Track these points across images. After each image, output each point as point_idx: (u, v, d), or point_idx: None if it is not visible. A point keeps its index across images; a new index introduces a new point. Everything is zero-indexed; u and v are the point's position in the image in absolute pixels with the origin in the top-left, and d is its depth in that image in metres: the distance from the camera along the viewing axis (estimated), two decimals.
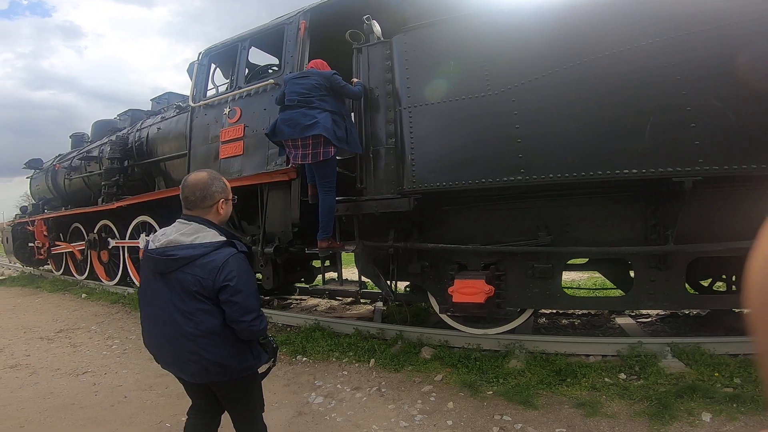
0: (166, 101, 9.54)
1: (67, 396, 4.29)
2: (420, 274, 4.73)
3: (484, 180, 3.83)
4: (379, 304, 7.14)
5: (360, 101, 4.68)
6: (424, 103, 4.18)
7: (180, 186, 2.18)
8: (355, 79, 4.67)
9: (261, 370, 2.33)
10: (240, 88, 5.98)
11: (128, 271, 9.24)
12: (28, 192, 13.68)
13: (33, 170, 13.22)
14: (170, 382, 4.58)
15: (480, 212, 4.41)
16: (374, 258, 4.85)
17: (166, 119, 8.38)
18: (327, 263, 7.25)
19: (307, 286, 7.98)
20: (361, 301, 7.89)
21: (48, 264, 12.89)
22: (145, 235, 8.40)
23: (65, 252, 11.57)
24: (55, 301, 9.60)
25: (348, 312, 7.37)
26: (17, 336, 6.61)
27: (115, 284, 9.74)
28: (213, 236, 2.06)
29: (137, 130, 9.06)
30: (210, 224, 2.11)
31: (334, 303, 8.00)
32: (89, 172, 10.28)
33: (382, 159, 4.45)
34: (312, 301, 8.26)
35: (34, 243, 12.51)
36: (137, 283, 8.75)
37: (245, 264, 2.08)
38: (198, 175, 2.17)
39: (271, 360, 2.31)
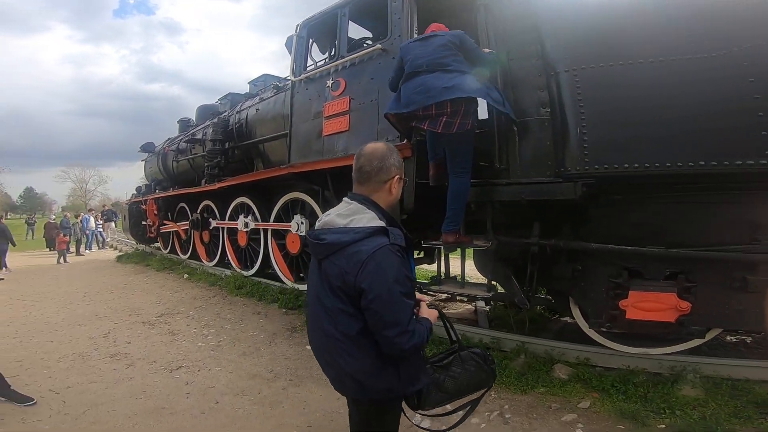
0: (263, 83, 9.17)
1: (159, 396, 3.85)
2: (568, 280, 3.66)
3: (703, 163, 2.70)
4: (481, 303, 6.25)
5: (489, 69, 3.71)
6: (602, 64, 3.14)
7: (354, 156, 1.83)
8: (486, 50, 3.81)
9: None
10: (342, 57, 5.22)
11: (226, 253, 9.05)
12: (143, 174, 14.29)
13: (147, 153, 13.75)
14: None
15: (664, 205, 3.25)
16: (504, 256, 3.85)
17: (264, 100, 7.96)
18: (420, 254, 6.41)
19: None
20: (458, 298, 7.00)
21: (157, 242, 13.38)
22: (244, 217, 8.07)
23: (172, 231, 11.83)
24: (160, 280, 9.71)
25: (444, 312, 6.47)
26: (123, 319, 6.53)
27: (213, 265, 9.66)
28: (369, 219, 1.66)
29: (237, 112, 8.78)
30: (373, 206, 1.73)
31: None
32: (194, 154, 10.29)
33: (531, 133, 3.47)
34: None
35: (146, 221, 13.01)
36: (234, 265, 8.48)
37: (396, 261, 1.58)
38: (375, 145, 1.83)
39: (483, 389, 1.92)
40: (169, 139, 12.79)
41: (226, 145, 8.62)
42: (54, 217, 20.14)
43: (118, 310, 7.14)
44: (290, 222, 6.89)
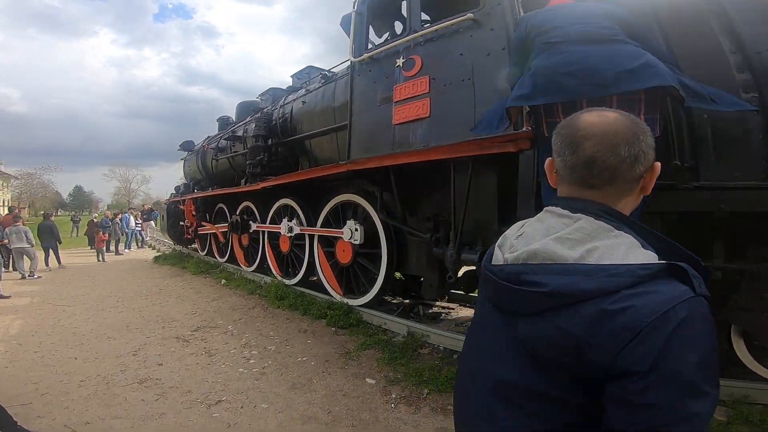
0: (307, 75, 8.38)
1: None
2: (741, 309, 2.63)
3: None
4: None
5: None
6: None
7: (561, 135, 0.97)
8: None
9: None
10: (416, 31, 4.30)
11: (266, 258, 8.27)
12: (183, 173, 13.79)
13: (186, 152, 13.24)
14: None
15: None
16: None
17: (311, 92, 7.16)
18: None
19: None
20: None
21: (194, 243, 12.82)
22: (288, 221, 7.26)
23: (209, 233, 11.19)
24: (197, 285, 9.03)
25: None
26: (155, 332, 5.82)
27: (252, 270, 8.91)
28: (628, 249, 0.84)
29: (281, 107, 8.01)
30: (626, 223, 0.90)
31: None
32: (234, 152, 9.60)
33: (732, 123, 2.43)
34: (465, 311, 6.48)
35: (183, 222, 12.45)
36: (275, 272, 7.68)
37: (708, 330, 0.78)
38: (605, 115, 0.94)
39: None
40: (208, 137, 12.20)
41: (269, 141, 7.85)
42: (96, 215, 20.05)
43: (150, 320, 6.43)
44: (341, 228, 6.02)
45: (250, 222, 8.67)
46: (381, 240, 5.55)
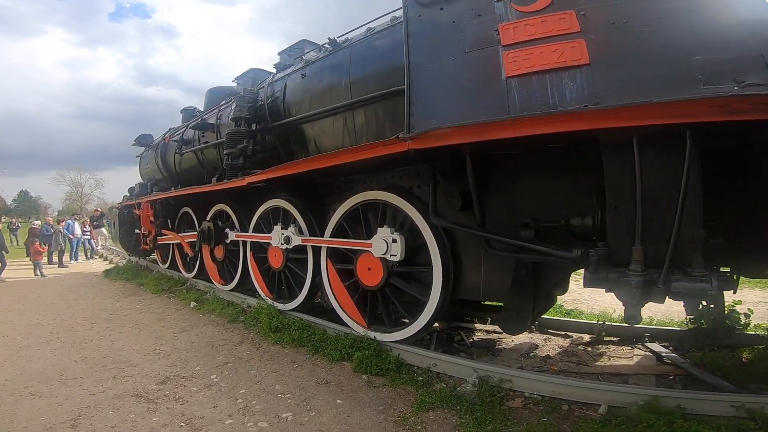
0: (300, 51, 6.59)
1: None
2: None
3: None
4: (653, 345, 4.45)
5: None
6: None
7: None
8: None
9: None
10: None
11: (250, 275, 6.43)
12: (139, 173, 11.60)
13: (143, 148, 11.13)
14: None
15: None
16: None
17: (313, 63, 5.46)
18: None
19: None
20: (605, 338, 4.85)
21: (153, 254, 10.70)
22: (282, 228, 5.49)
23: (172, 243, 9.16)
24: (159, 308, 7.04)
25: (612, 362, 4.28)
26: (104, 385, 4.01)
27: (230, 290, 7.02)
28: None
29: (269, 84, 6.22)
30: None
31: (562, 343, 4.92)
32: (204, 143, 7.68)
33: None
34: (521, 336, 5.02)
35: (140, 230, 10.31)
36: (263, 294, 5.89)
37: None
38: None
39: None
40: (170, 129, 10.16)
41: (254, 126, 6.04)
42: (38, 222, 17.28)
43: (96, 363, 4.54)
44: (366, 238, 4.35)
45: (227, 230, 6.79)
46: (432, 254, 3.92)
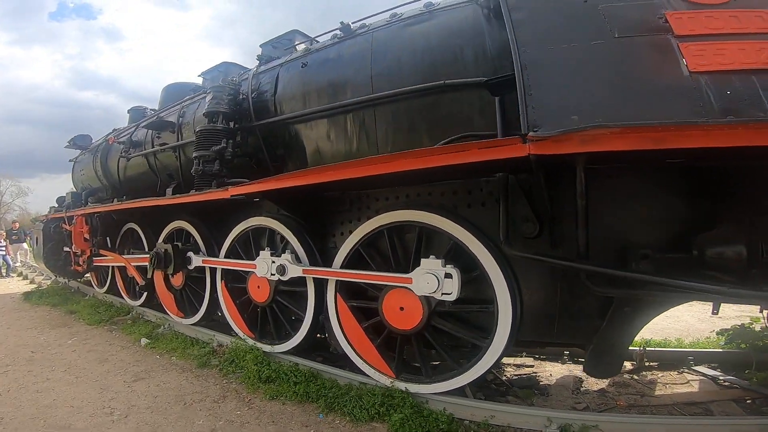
0: (290, 42, 5.52)
1: None
2: None
3: None
4: (701, 368, 4.19)
5: None
6: None
7: None
8: None
9: None
10: None
11: (221, 308, 5.19)
12: (72, 180, 9.79)
13: (78, 151, 9.40)
14: None
15: None
16: None
17: (317, 51, 4.48)
18: None
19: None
20: (647, 363, 4.44)
21: (87, 275, 8.96)
22: (270, 254, 4.35)
23: (113, 266, 7.58)
24: (99, 346, 5.54)
25: (672, 389, 3.89)
26: None
27: (193, 324, 5.69)
28: None
29: (254, 75, 5.10)
30: None
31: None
32: (161, 145, 6.30)
33: None
34: (557, 368, 4.49)
35: (70, 248, 8.56)
36: (239, 331, 4.70)
37: None
38: None
39: None
40: (115, 129, 8.60)
41: (232, 125, 4.87)
42: None
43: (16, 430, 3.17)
44: (404, 272, 3.36)
45: (190, 254, 5.47)
46: (498, 291, 3.03)
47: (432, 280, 3.09)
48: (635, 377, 4.20)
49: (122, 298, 7.59)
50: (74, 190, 9.39)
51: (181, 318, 5.89)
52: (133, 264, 6.51)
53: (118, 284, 7.66)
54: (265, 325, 4.82)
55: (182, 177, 6.18)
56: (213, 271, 5.31)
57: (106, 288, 8.25)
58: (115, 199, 7.36)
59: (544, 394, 3.89)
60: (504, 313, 3.06)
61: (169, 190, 6.12)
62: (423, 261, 3.21)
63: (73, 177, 9.60)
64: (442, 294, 3.09)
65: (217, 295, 5.23)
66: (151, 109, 8.02)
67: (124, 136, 7.50)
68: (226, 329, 5.25)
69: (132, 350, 5.35)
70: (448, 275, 3.07)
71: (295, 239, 4.29)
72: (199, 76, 7.15)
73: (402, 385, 3.45)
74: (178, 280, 5.89)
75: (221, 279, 5.14)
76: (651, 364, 4.45)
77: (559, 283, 3.14)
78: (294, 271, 4.05)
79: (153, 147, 6.65)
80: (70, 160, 9.63)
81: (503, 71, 3.08)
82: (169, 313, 6.13)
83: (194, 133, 4.99)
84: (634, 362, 4.40)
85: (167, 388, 4.09)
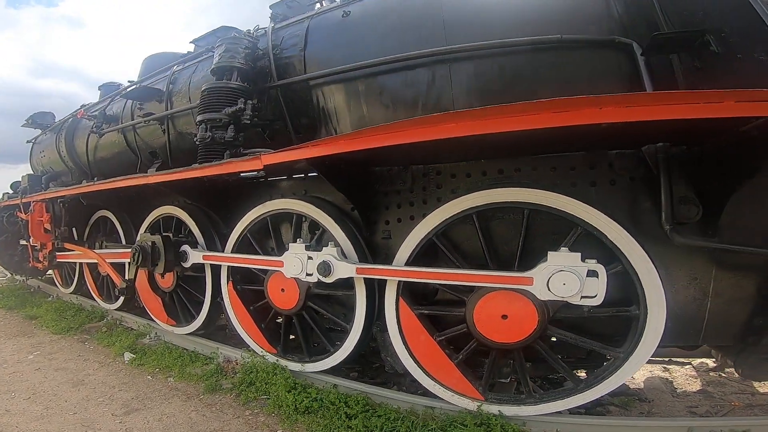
0: None
1: None
2: None
3: None
4: None
5: None
6: None
7: None
8: None
9: None
10: None
11: (228, 317, 4.19)
12: (30, 163, 8.40)
13: (39, 130, 8.05)
14: None
15: None
16: None
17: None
18: None
19: None
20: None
21: (49, 273, 7.68)
22: (305, 246, 3.38)
23: (81, 262, 6.38)
24: (71, 363, 4.42)
25: None
26: None
27: (190, 333, 4.67)
28: None
29: (274, 31, 4.10)
30: None
31: (689, 372, 4.05)
32: (145, 116, 5.18)
33: None
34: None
35: (27, 241, 7.27)
36: (256, 345, 3.74)
37: None
38: None
39: None
40: (84, 106, 7.32)
41: (247, 86, 3.86)
42: None
43: None
44: (528, 271, 2.51)
45: (185, 248, 4.41)
46: (649, 290, 2.33)
47: (571, 280, 2.25)
48: (722, 375, 3.85)
49: (94, 300, 6.41)
50: (32, 172, 8.03)
51: (172, 326, 4.83)
52: (108, 261, 5.35)
53: (87, 284, 6.47)
54: (287, 335, 3.88)
55: (170, 154, 5.12)
56: (215, 270, 4.30)
57: (72, 288, 7.01)
58: (84, 182, 6.14)
59: (644, 400, 3.41)
60: (655, 316, 2.31)
61: (152, 170, 5.07)
62: (552, 255, 2.36)
63: (32, 160, 8.22)
64: (582, 297, 2.26)
65: (222, 300, 4.23)
66: (128, 81, 6.79)
67: (96, 109, 6.30)
68: (228, 337, 4.28)
69: (114, 368, 4.28)
70: (592, 273, 2.24)
71: (338, 228, 3.36)
72: (191, 42, 5.99)
73: (494, 408, 2.67)
74: (167, 281, 4.83)
75: (227, 279, 4.13)
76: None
77: (712, 277, 2.47)
78: (343, 270, 3.11)
79: (133, 119, 5.53)
80: (27, 141, 8.23)
81: (634, 31, 2.54)
82: (155, 319, 5.05)
83: (199, 95, 3.94)
84: (715, 359, 3.95)
85: (173, 424, 3.09)
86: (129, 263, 4.64)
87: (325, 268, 3.15)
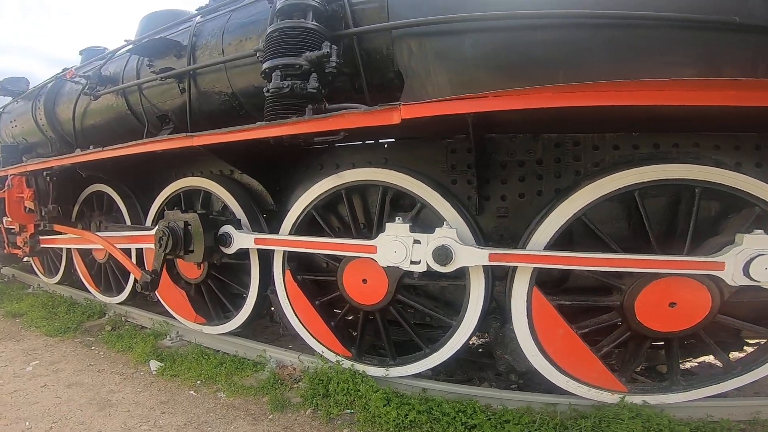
0: None
1: None
2: None
3: None
4: None
5: None
6: None
7: None
8: None
9: None
10: None
11: (283, 313, 3.47)
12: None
13: (10, 98, 6.89)
14: None
15: None
16: None
17: None
18: None
19: None
20: None
21: (27, 260, 6.67)
22: (410, 226, 2.69)
23: (71, 247, 5.43)
24: (84, 376, 3.60)
25: None
26: None
27: (226, 333, 3.92)
28: None
29: None
30: None
31: None
32: (164, 71, 4.26)
33: None
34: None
35: (1, 222, 6.25)
36: (325, 348, 3.09)
37: None
38: None
39: None
40: (65, 69, 6.24)
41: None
42: None
43: None
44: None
45: (228, 229, 3.59)
46: None
47: None
48: None
49: (87, 291, 5.52)
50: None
51: (201, 324, 4.06)
52: (120, 247, 4.45)
53: (79, 272, 5.55)
54: (363, 337, 3.23)
55: (190, 116, 4.27)
56: (264, 256, 3.55)
57: (59, 277, 6.06)
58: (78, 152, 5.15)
59: None
60: None
61: (166, 132, 4.36)
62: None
63: (0, 131, 7.06)
64: None
65: (273, 293, 3.50)
66: (125, 40, 5.69)
67: (87, 70, 5.29)
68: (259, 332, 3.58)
69: (141, 381, 3.50)
70: None
71: (447, 205, 2.71)
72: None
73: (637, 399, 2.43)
74: (193, 271, 4.05)
75: (283, 268, 3.40)
76: None
77: None
78: (469, 256, 2.48)
79: (138, 78, 4.62)
80: None
81: None
82: (177, 316, 4.26)
83: (235, 47, 3.20)
84: None
85: None
86: (156, 250, 3.75)
87: (443, 254, 2.49)
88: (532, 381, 2.86)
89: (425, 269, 2.61)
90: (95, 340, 4.47)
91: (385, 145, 3.23)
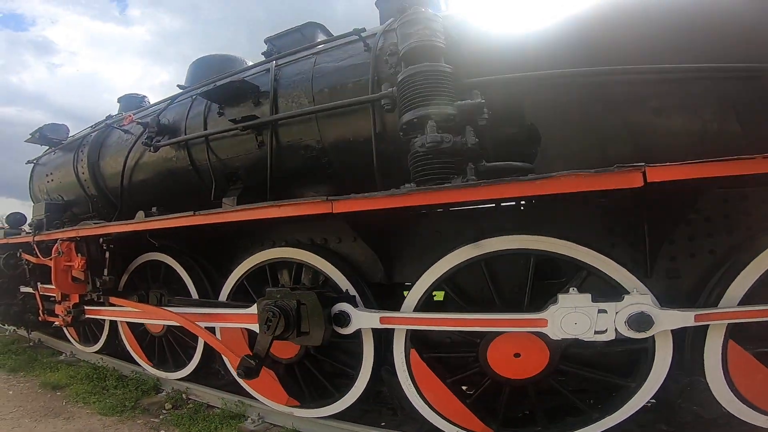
0: None
1: None
2: None
3: None
4: None
5: None
6: None
7: None
8: None
9: None
10: None
11: (403, 394, 3.04)
12: (29, 189, 6.81)
13: (45, 147, 6.55)
14: None
15: None
16: None
17: None
18: None
19: None
20: None
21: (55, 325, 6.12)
22: (583, 294, 2.34)
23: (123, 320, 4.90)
24: None
25: None
26: None
27: (330, 416, 3.45)
28: None
29: None
30: None
31: None
32: (246, 119, 3.94)
33: None
34: None
35: (35, 288, 5.73)
36: (456, 429, 2.65)
37: None
38: None
39: None
40: (109, 116, 5.99)
41: None
42: None
43: None
44: None
45: (345, 307, 3.05)
46: None
47: None
48: None
49: (134, 363, 5.01)
50: (35, 204, 6.48)
51: (294, 407, 3.58)
52: (201, 325, 3.90)
53: (127, 344, 5.04)
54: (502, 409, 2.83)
55: (271, 174, 3.94)
56: (379, 335, 3.14)
57: (99, 346, 5.54)
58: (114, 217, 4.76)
59: None
60: None
61: (229, 199, 3.98)
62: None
63: (33, 185, 6.67)
64: None
65: (390, 372, 3.07)
66: (178, 86, 5.37)
67: (145, 115, 5.01)
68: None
69: None
70: None
71: (623, 269, 2.42)
72: (266, 41, 4.86)
73: None
74: (288, 349, 3.61)
75: (407, 346, 2.98)
76: None
77: None
78: (671, 320, 2.22)
79: (206, 129, 4.33)
80: (28, 162, 6.68)
81: None
82: (261, 398, 3.78)
83: (329, 94, 2.95)
84: None
85: None
86: (261, 331, 3.24)
87: (641, 320, 2.20)
88: None
89: (612, 338, 2.27)
90: (160, 422, 3.96)
91: (521, 208, 2.89)
